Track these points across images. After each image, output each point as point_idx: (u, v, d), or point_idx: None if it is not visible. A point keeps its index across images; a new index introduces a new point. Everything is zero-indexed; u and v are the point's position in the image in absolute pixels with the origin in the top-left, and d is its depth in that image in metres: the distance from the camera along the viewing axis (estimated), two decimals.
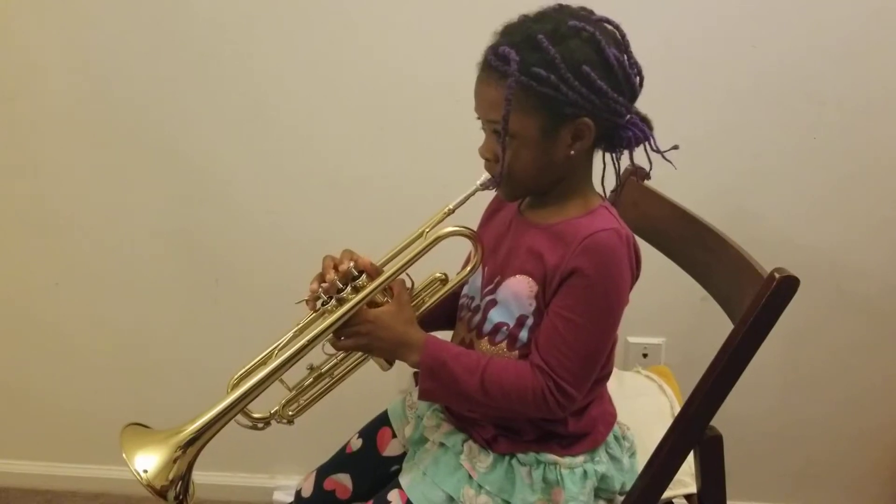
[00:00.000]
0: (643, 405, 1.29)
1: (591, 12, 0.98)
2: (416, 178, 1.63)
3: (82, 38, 1.61)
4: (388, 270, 1.00)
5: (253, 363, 1.04)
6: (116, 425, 1.85)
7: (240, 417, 1.01)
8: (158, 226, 1.74)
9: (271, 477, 1.94)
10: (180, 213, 1.73)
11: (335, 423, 1.34)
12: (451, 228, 1.02)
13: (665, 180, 1.05)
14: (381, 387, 1.48)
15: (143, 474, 0.92)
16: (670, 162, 1.01)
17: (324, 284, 0.99)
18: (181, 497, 0.94)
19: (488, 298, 1.06)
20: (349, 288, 0.99)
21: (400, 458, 1.20)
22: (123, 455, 0.93)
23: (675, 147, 1.02)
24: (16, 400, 1.94)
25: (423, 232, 1.04)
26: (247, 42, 1.58)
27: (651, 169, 1.03)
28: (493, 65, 0.94)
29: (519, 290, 1.02)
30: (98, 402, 1.91)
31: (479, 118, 1.01)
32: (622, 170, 1.08)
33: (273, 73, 1.59)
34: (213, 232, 1.74)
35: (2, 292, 1.84)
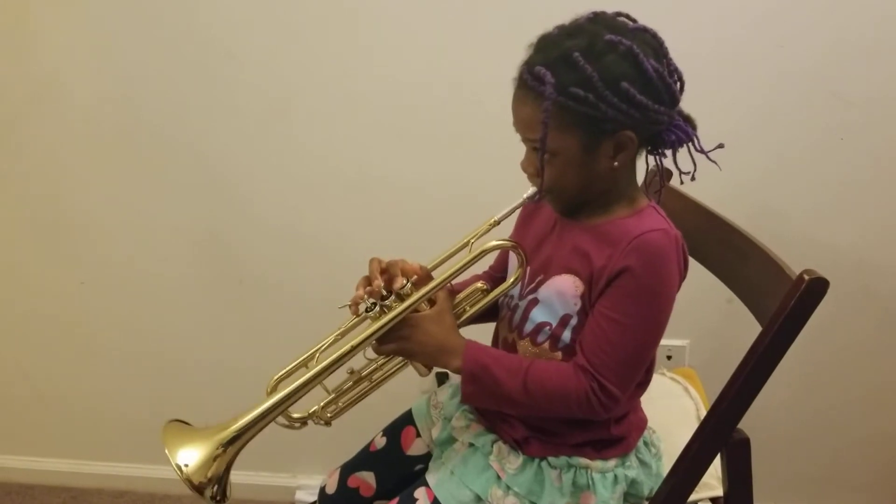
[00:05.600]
0: (668, 407, 1.29)
1: (627, 21, 0.96)
2: (438, 182, 1.63)
3: (106, 42, 1.63)
4: (433, 281, 1.01)
5: (294, 364, 1.05)
6: (141, 424, 1.87)
7: (279, 417, 1.02)
8: (183, 226, 1.76)
9: (294, 476, 1.95)
10: (204, 214, 1.74)
11: (357, 424, 1.34)
12: (496, 242, 1.02)
13: (695, 180, 1.04)
14: (404, 387, 1.48)
15: (183, 468, 0.93)
16: (715, 162, 1.00)
17: (368, 289, 1.00)
18: (218, 497, 0.95)
19: (529, 298, 1.05)
20: (394, 296, 1.00)
21: (424, 458, 1.20)
22: (165, 450, 0.94)
23: (721, 146, 1.01)
24: (41, 398, 1.97)
25: (468, 242, 1.04)
26: (269, 46, 1.59)
27: (696, 170, 1.01)
28: (530, 84, 0.93)
29: (564, 289, 1.01)
30: (122, 400, 1.92)
31: (517, 132, 1.00)
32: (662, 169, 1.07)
33: (296, 75, 1.60)
34: (237, 233, 1.75)
35: (28, 291, 1.87)
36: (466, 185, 1.58)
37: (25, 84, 1.67)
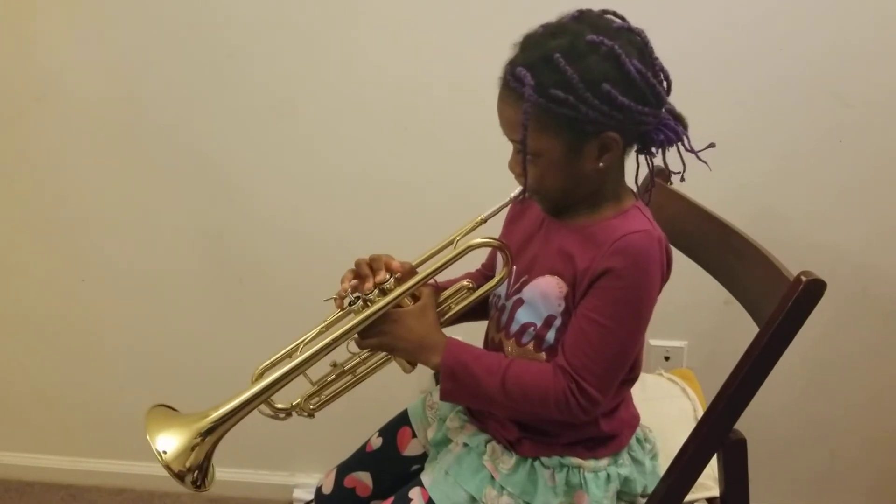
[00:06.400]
0: (666, 408, 1.29)
1: (612, 19, 0.95)
2: (440, 181, 1.63)
3: (109, 39, 1.63)
4: (416, 277, 1.02)
5: (278, 355, 1.05)
6: (139, 421, 1.86)
7: (262, 406, 1.02)
8: (183, 225, 1.76)
9: (291, 475, 1.95)
10: (205, 212, 1.74)
11: (355, 422, 1.35)
12: (480, 239, 1.02)
13: (689, 181, 1.04)
14: (401, 386, 1.49)
15: (163, 455, 0.93)
16: (705, 162, 1.00)
17: (353, 282, 1.01)
18: (199, 482, 0.95)
19: (515, 298, 1.05)
20: (376, 290, 1.01)
21: (420, 458, 1.20)
22: (147, 435, 0.94)
23: (712, 145, 1.00)
24: (41, 394, 1.97)
25: (453, 240, 1.04)
26: (272, 44, 1.59)
27: (685, 170, 1.01)
28: (511, 85, 0.93)
29: (548, 290, 1.01)
30: (121, 397, 1.93)
31: (504, 133, 0.99)
32: (653, 169, 1.06)
33: (298, 74, 1.60)
34: (238, 232, 1.75)
35: (29, 288, 1.87)
36: (468, 184, 1.58)
37: (29, 81, 1.67)
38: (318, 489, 1.25)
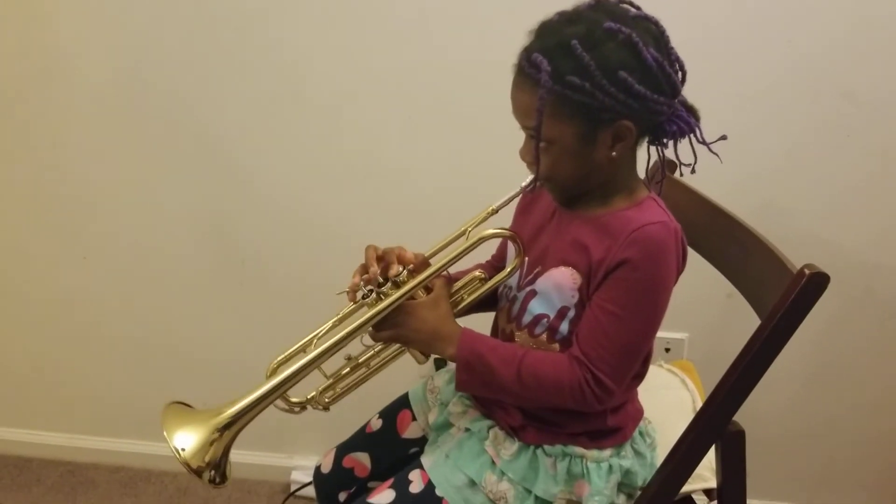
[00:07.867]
0: (665, 399, 1.29)
1: (629, 8, 0.95)
2: (446, 169, 1.63)
3: (117, 19, 1.62)
4: (429, 269, 1.02)
5: (292, 350, 1.06)
6: (139, 400, 1.87)
7: (278, 401, 1.02)
8: (187, 206, 1.76)
9: (289, 457, 1.95)
10: (209, 194, 1.74)
11: (354, 406, 1.34)
12: (493, 230, 1.03)
13: (695, 173, 1.04)
14: (401, 370, 1.49)
15: (181, 452, 0.93)
16: (716, 154, 0.99)
17: (365, 276, 1.01)
18: (217, 480, 0.96)
19: (527, 289, 1.05)
20: (390, 283, 1.01)
21: (419, 441, 1.21)
22: (164, 432, 0.94)
23: (724, 138, 1.00)
24: (41, 372, 1.98)
25: (465, 231, 1.04)
26: (279, 28, 1.58)
27: (696, 162, 1.01)
28: (527, 72, 0.92)
29: (561, 281, 1.01)
30: (121, 376, 1.93)
31: (516, 120, 0.99)
32: (664, 160, 1.06)
33: (305, 59, 1.60)
34: (241, 214, 1.75)
35: (30, 265, 1.87)
36: (472, 173, 1.58)
37: (34, 60, 1.67)
38: (317, 468, 1.26)
